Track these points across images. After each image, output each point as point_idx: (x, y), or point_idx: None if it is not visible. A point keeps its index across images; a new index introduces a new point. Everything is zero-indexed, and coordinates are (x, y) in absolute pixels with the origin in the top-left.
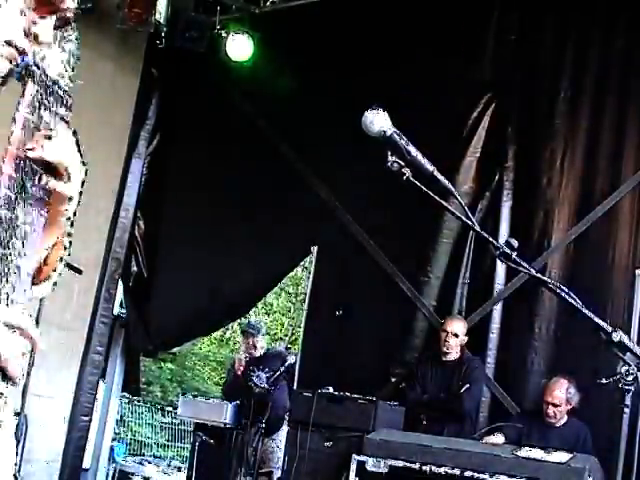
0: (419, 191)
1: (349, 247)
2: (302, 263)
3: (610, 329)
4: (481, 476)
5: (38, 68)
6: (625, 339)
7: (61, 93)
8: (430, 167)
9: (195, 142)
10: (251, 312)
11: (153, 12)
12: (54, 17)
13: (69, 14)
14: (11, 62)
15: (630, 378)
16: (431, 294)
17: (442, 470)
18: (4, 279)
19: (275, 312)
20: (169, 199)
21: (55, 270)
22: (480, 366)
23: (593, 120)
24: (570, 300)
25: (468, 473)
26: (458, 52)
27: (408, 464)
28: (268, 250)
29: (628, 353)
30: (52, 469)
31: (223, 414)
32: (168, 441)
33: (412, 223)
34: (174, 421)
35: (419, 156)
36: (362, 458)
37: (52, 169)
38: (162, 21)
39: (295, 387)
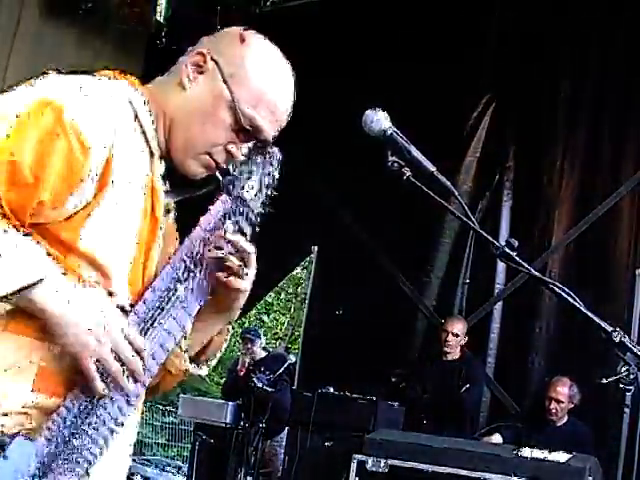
0: (419, 191)
1: (349, 247)
2: (302, 263)
3: (610, 329)
4: (481, 476)
5: (234, 187)
6: (625, 339)
7: (249, 212)
8: (430, 167)
9: None
10: (251, 312)
11: (153, 12)
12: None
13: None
14: (207, 169)
15: (630, 378)
16: (431, 294)
17: (442, 470)
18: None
19: (275, 312)
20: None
21: (217, 354)
22: (480, 366)
23: (593, 120)
24: (570, 300)
25: (468, 473)
26: (458, 52)
27: (408, 464)
28: (268, 250)
29: (628, 353)
30: None
31: (223, 414)
32: (168, 441)
33: (412, 223)
34: (174, 421)
35: (419, 156)
36: (362, 458)
37: (224, 265)
38: (162, 21)
39: (295, 387)
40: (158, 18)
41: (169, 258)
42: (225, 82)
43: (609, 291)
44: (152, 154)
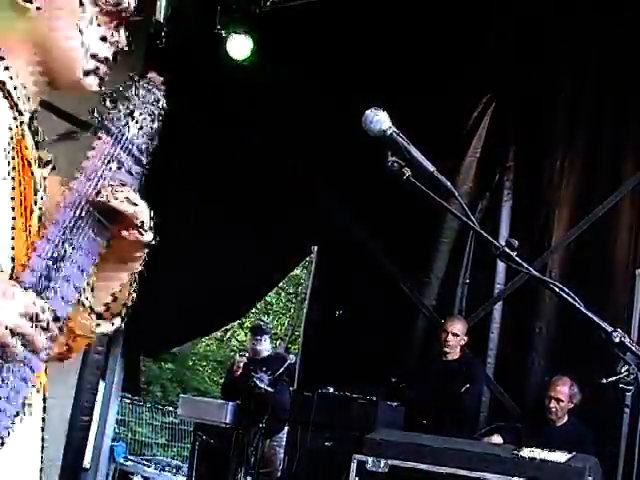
0: (419, 191)
1: (349, 247)
2: (302, 263)
3: (610, 329)
4: (481, 476)
5: (115, 126)
6: (625, 339)
7: (134, 150)
8: (430, 167)
9: (195, 142)
10: (250, 312)
11: (153, 12)
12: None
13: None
14: (97, 73)
15: (630, 378)
16: (431, 294)
17: (442, 470)
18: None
19: (275, 312)
20: (169, 199)
21: (126, 306)
22: (480, 366)
23: (593, 120)
24: (570, 300)
25: (468, 473)
26: (458, 52)
27: (408, 464)
28: (268, 250)
29: (628, 353)
30: (52, 469)
31: (223, 414)
32: (168, 441)
33: (412, 223)
34: (174, 421)
35: (419, 156)
36: (362, 458)
37: (118, 216)
38: (162, 21)
39: (295, 387)
40: (158, 18)
41: (55, 213)
42: None
43: (609, 291)
44: (20, 112)
